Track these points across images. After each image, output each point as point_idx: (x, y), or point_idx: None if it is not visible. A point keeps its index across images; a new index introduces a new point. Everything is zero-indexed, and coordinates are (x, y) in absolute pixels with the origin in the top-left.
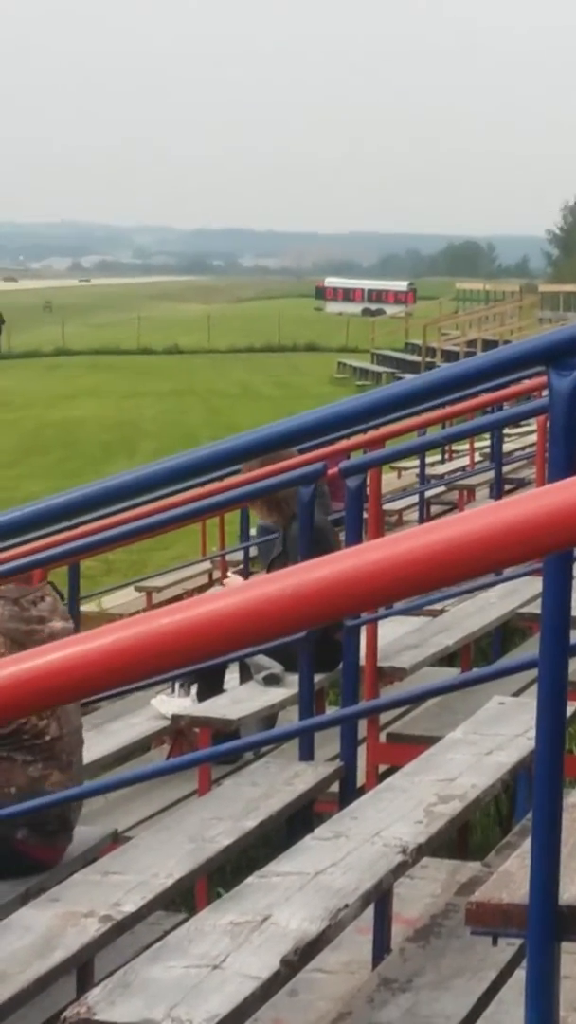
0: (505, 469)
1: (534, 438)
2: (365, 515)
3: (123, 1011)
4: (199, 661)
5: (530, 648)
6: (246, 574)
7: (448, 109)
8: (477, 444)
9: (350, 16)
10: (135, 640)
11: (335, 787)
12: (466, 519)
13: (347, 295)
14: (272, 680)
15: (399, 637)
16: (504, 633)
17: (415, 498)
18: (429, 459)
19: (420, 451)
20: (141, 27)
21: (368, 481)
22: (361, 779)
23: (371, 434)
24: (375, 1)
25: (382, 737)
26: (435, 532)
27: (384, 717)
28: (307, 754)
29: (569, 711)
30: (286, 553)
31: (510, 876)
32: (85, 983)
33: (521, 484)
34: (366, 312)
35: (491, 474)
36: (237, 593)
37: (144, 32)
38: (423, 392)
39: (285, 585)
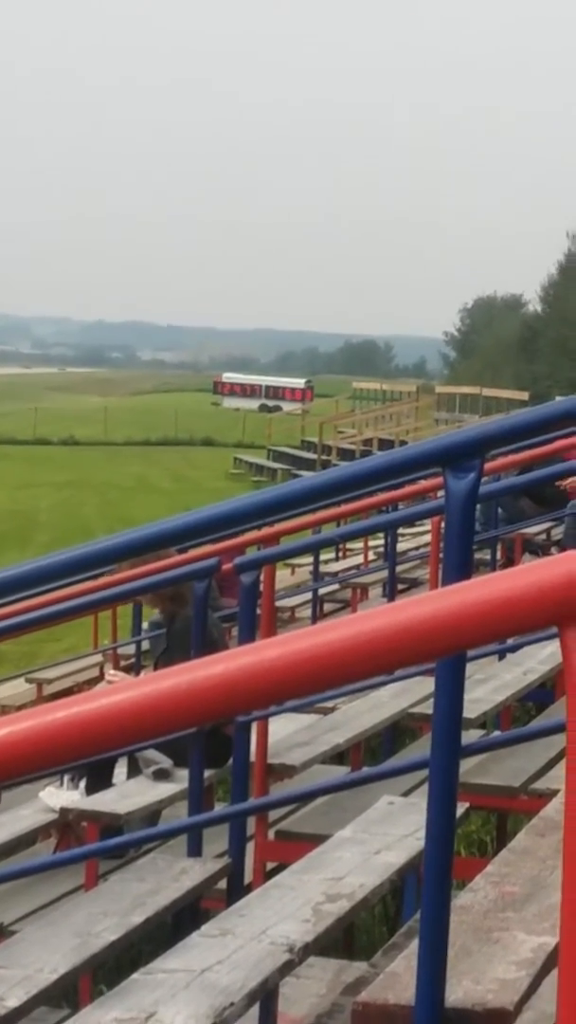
0: (399, 568)
1: (428, 538)
2: (258, 611)
3: None
4: (94, 755)
5: (420, 748)
6: (137, 668)
7: (348, 209)
8: (371, 543)
9: (255, 118)
10: (29, 733)
11: (223, 884)
12: (365, 619)
13: (244, 391)
14: (161, 775)
15: (290, 734)
16: (395, 732)
17: (308, 595)
18: (323, 556)
19: (315, 548)
20: (49, 123)
21: (262, 577)
22: (249, 876)
23: (266, 530)
24: (285, 97)
25: (270, 834)
26: (333, 631)
27: (273, 814)
28: (195, 850)
29: (458, 812)
30: (171, 649)
31: (396, 977)
32: None
33: (414, 584)
34: (263, 408)
35: (385, 573)
36: (133, 687)
37: (50, 124)
38: (322, 490)
39: (180, 681)
